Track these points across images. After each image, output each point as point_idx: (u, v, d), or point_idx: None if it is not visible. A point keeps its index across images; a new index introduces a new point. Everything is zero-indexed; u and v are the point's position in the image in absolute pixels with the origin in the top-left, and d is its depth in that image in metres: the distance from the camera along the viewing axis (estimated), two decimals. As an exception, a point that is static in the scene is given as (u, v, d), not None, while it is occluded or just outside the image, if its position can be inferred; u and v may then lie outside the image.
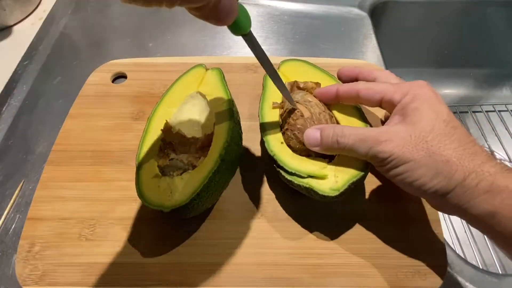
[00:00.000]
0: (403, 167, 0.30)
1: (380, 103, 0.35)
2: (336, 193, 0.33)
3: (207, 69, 0.43)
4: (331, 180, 0.34)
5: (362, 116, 0.38)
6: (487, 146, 0.59)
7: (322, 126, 0.34)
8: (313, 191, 0.34)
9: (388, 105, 0.34)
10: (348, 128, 0.33)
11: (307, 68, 0.43)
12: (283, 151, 0.37)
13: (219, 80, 0.42)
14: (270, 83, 0.42)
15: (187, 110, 0.42)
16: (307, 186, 0.34)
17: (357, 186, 0.34)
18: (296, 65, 0.44)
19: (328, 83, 0.41)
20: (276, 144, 0.37)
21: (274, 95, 0.41)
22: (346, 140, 0.32)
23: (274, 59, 0.52)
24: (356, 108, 0.39)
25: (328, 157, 0.37)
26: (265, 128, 0.38)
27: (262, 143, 0.40)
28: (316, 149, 0.34)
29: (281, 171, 0.36)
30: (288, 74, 0.43)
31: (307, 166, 0.35)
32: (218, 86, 0.41)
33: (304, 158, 0.36)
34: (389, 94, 0.34)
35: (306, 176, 0.34)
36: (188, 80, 0.43)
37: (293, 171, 0.35)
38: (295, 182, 0.34)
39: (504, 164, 0.29)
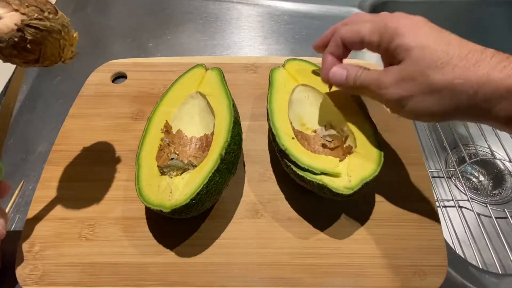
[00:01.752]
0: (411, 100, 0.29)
1: (362, 47, 0.33)
2: (350, 191, 0.33)
3: (207, 69, 0.44)
4: (345, 178, 0.34)
5: (365, 114, 0.39)
6: (487, 146, 0.59)
7: (348, 67, 0.34)
8: (326, 188, 0.33)
9: (371, 48, 0.33)
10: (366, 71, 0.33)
11: (312, 68, 0.43)
12: (294, 146, 0.36)
13: (219, 80, 0.42)
14: (277, 78, 0.42)
15: (187, 110, 0.42)
16: (320, 183, 0.34)
17: (368, 186, 0.34)
18: (302, 64, 0.44)
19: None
20: (288, 139, 0.37)
21: (281, 90, 0.41)
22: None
23: (274, 59, 0.53)
24: (360, 106, 0.39)
25: (339, 156, 0.37)
26: (274, 123, 0.38)
27: (270, 138, 0.40)
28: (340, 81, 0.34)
29: (292, 166, 0.35)
30: (294, 73, 0.43)
31: (320, 163, 0.35)
32: (218, 86, 0.41)
33: (316, 154, 0.36)
34: (367, 36, 0.32)
35: (319, 172, 0.34)
36: (188, 80, 0.43)
37: (306, 167, 0.34)
38: (307, 178, 0.34)
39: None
